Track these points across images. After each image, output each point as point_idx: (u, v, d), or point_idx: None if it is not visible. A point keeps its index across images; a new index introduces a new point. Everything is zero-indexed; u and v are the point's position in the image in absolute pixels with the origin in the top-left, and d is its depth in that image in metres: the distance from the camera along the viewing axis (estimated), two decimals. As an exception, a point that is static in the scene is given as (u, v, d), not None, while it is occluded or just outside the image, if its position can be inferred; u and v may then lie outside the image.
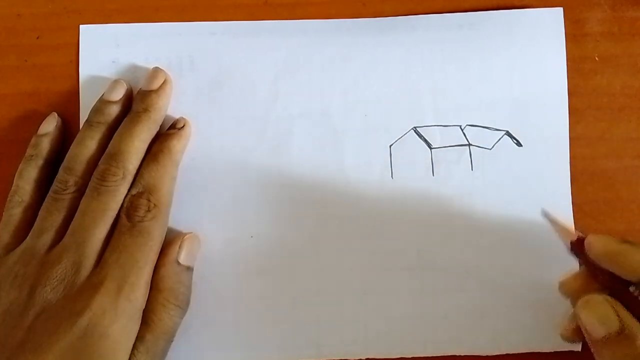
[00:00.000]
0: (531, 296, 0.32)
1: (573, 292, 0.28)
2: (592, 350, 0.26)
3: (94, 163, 0.30)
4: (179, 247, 0.30)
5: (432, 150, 0.33)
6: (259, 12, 0.34)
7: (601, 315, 0.25)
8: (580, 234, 0.28)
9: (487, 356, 0.32)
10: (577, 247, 0.28)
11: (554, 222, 0.30)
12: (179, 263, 0.30)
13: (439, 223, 0.32)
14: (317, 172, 0.33)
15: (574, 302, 0.28)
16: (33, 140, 0.32)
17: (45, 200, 0.30)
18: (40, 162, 0.31)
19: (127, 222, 0.29)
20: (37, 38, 0.34)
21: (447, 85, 0.33)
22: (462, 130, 0.33)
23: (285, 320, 0.32)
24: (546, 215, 0.30)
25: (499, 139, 0.33)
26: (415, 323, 0.32)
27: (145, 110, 0.31)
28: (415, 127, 0.33)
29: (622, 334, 0.24)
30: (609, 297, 0.26)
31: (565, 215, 0.32)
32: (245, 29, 0.33)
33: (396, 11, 0.34)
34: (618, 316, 0.25)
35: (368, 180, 0.33)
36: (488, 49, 0.33)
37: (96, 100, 0.32)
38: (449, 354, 0.32)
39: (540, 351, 0.31)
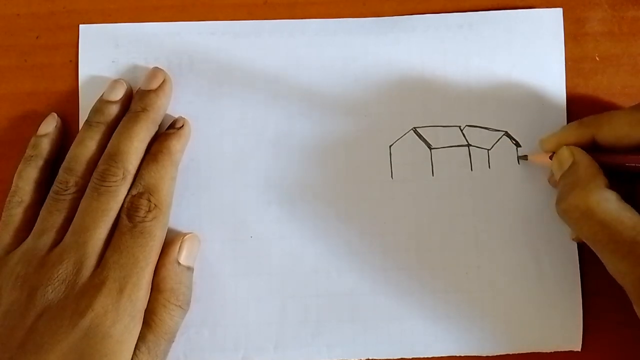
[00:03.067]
0: (531, 296, 0.32)
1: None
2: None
3: (94, 163, 0.30)
4: (179, 247, 0.30)
5: (432, 150, 0.33)
6: (258, 11, 0.34)
7: (561, 158, 0.29)
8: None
9: (487, 356, 0.32)
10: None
11: (534, 158, 0.32)
12: (179, 263, 0.30)
13: (439, 223, 0.32)
14: (317, 173, 0.33)
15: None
16: (32, 140, 0.32)
17: (46, 200, 0.30)
18: (40, 162, 0.31)
19: (128, 223, 0.29)
20: (37, 38, 0.34)
21: (447, 86, 0.33)
22: (461, 130, 0.33)
23: (285, 320, 0.32)
24: (529, 157, 0.32)
25: (498, 140, 0.33)
26: (415, 323, 0.32)
27: (144, 109, 0.31)
28: (415, 128, 0.33)
29: (572, 166, 0.28)
30: (572, 147, 0.29)
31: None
32: (245, 29, 0.33)
33: (396, 11, 0.34)
34: (573, 155, 0.29)
35: (368, 180, 0.33)
36: (487, 49, 0.33)
37: (96, 100, 0.32)
38: (449, 354, 0.32)
39: (540, 351, 0.31)
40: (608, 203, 0.26)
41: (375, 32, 0.33)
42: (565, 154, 0.29)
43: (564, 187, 0.28)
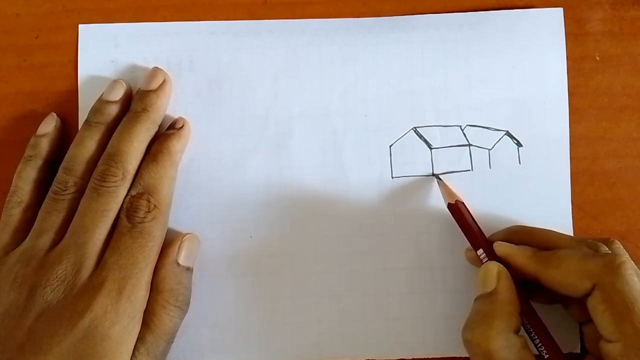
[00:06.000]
0: (531, 296, 0.32)
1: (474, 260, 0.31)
2: None
3: (93, 163, 0.30)
4: (179, 248, 0.30)
5: (432, 150, 0.33)
6: (258, 11, 0.34)
7: (486, 274, 0.29)
8: (458, 199, 0.31)
9: (487, 356, 0.32)
10: (452, 210, 0.31)
11: (441, 184, 0.32)
12: (178, 264, 0.30)
13: (439, 223, 0.32)
14: (317, 172, 0.33)
15: None
16: (32, 140, 0.32)
17: (45, 200, 0.30)
18: (39, 162, 0.31)
19: (128, 223, 0.29)
20: (36, 38, 0.34)
21: (448, 85, 0.33)
22: (462, 130, 0.33)
23: (285, 320, 0.32)
24: (437, 178, 0.32)
25: (499, 139, 0.33)
26: (415, 323, 0.32)
27: (144, 110, 0.31)
28: (415, 127, 0.33)
29: (491, 295, 0.28)
30: (500, 266, 0.29)
31: (565, 215, 0.33)
32: (245, 29, 0.33)
33: (396, 11, 0.34)
34: (498, 280, 0.28)
35: (368, 180, 0.33)
36: (488, 49, 0.33)
37: (95, 100, 0.32)
38: (449, 355, 0.32)
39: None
40: (509, 352, 0.26)
41: (376, 31, 0.33)
42: (492, 273, 0.28)
43: (476, 313, 0.28)
